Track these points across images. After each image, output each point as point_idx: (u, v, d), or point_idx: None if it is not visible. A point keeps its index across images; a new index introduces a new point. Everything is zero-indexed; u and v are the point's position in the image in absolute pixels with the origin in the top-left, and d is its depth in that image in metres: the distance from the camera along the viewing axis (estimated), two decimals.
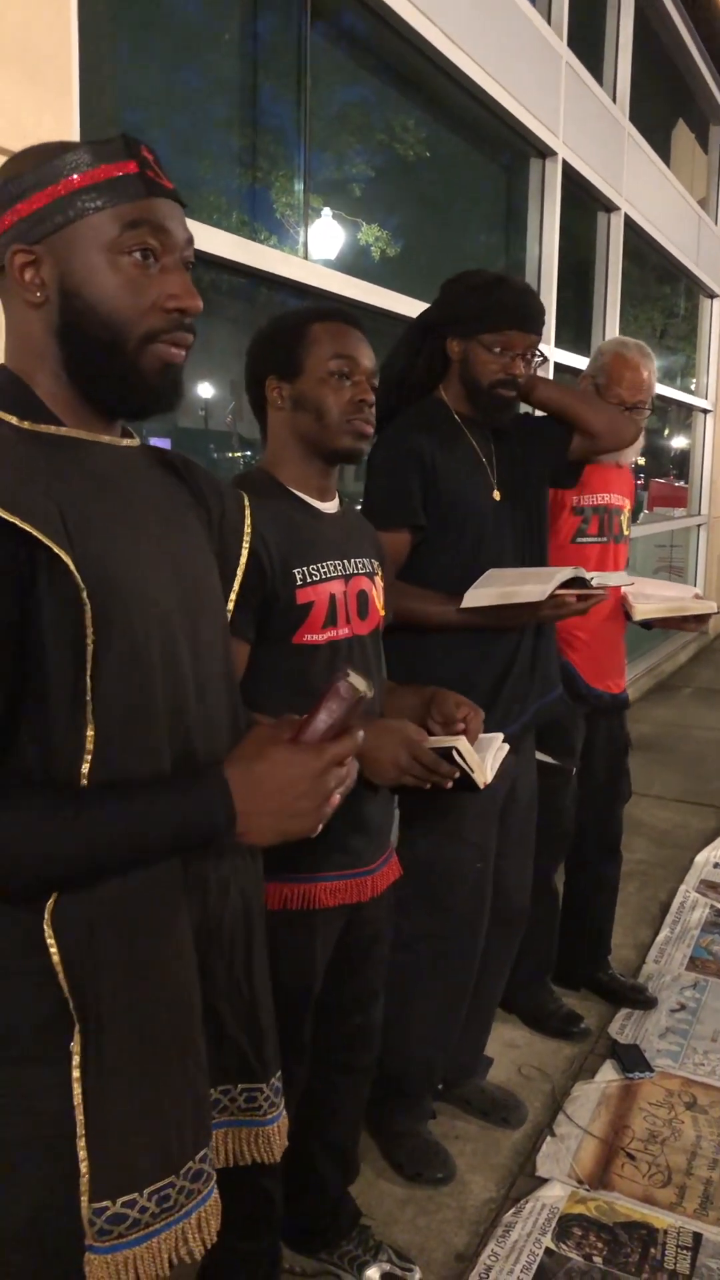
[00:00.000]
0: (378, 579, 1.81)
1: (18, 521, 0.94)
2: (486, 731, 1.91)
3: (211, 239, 2.78)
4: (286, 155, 3.41)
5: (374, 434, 1.72)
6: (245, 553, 1.34)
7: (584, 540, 2.81)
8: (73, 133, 2.18)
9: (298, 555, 1.64)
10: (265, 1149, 1.29)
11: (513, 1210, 2.25)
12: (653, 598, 2.98)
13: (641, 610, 2.91)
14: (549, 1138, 2.49)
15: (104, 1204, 1.05)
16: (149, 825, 1.04)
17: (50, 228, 1.03)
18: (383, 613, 1.81)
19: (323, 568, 1.67)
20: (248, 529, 1.35)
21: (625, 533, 2.93)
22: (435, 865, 2.21)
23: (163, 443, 3.37)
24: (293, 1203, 1.97)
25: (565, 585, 2.05)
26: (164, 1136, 1.10)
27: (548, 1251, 2.13)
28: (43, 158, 1.04)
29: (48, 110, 2.09)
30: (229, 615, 1.30)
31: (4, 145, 2.01)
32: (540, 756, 2.70)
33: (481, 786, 1.66)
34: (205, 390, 3.66)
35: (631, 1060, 2.78)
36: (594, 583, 2.12)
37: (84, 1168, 1.04)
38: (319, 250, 3.78)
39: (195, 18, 3.12)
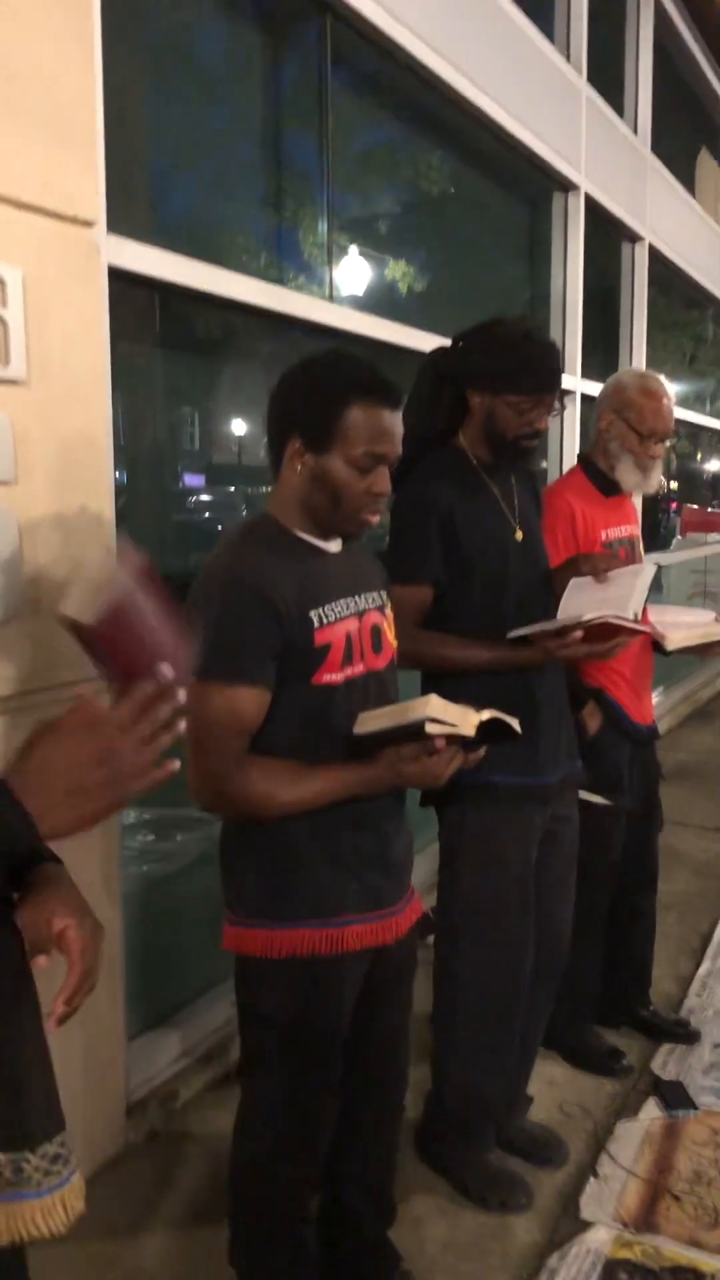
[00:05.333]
0: (387, 610, 1.83)
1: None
2: (530, 775, 1.97)
3: (235, 285, 2.82)
4: (311, 196, 3.46)
5: (390, 495, 1.73)
6: None
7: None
8: (98, 184, 2.22)
9: (312, 598, 1.66)
10: (45, 1220, 1.15)
11: (557, 1255, 2.21)
12: (679, 625, 2.98)
13: (674, 640, 2.90)
14: (592, 1179, 2.46)
15: None
16: None
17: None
18: (394, 644, 1.84)
19: (337, 607, 1.69)
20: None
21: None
22: (479, 896, 2.21)
23: (197, 479, 3.41)
24: (330, 1247, 1.97)
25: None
26: None
27: None
28: None
29: (74, 164, 2.14)
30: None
31: (37, 203, 2.06)
32: (590, 797, 2.71)
33: (472, 734, 1.62)
34: (239, 427, 3.71)
35: (675, 1097, 2.74)
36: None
37: None
38: (347, 288, 3.83)
39: (219, 64, 3.18)
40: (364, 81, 3.76)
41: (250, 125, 3.29)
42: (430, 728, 1.57)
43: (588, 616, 2.08)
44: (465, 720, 1.62)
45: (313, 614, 1.65)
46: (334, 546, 1.76)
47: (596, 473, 2.81)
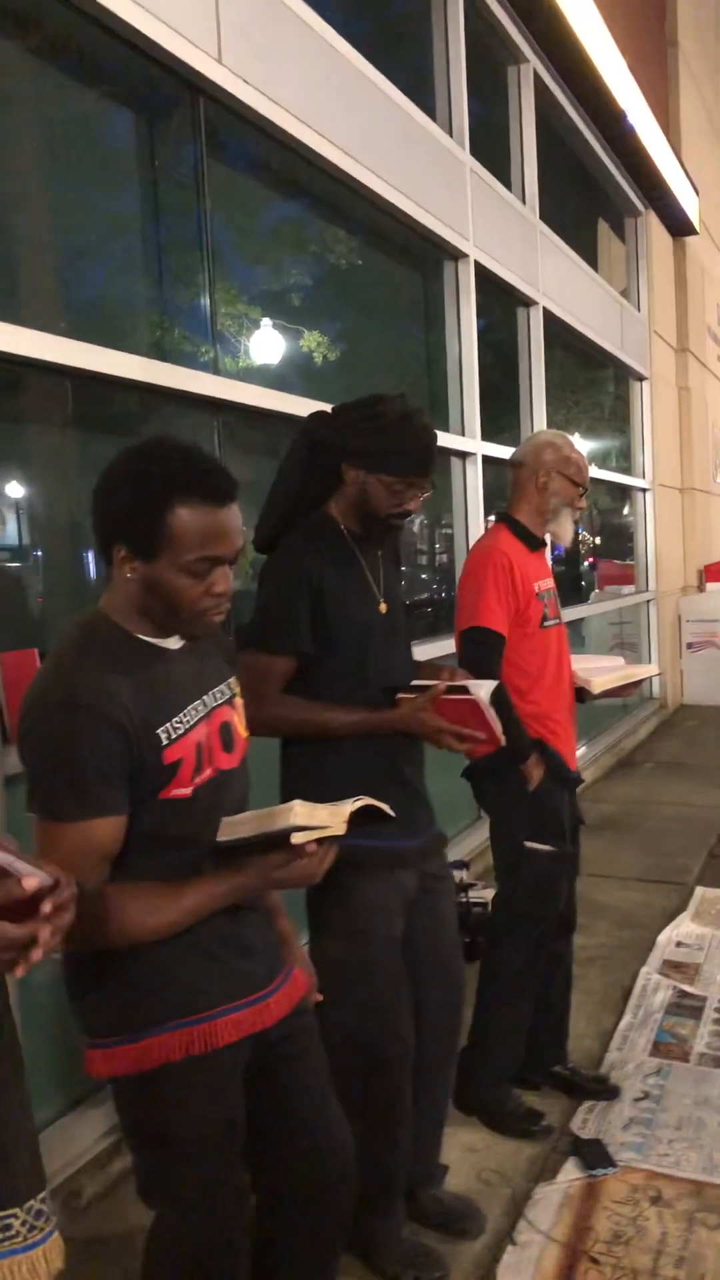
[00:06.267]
0: (237, 700, 1.74)
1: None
2: (392, 840, 2.00)
3: (111, 361, 2.83)
4: (193, 272, 3.50)
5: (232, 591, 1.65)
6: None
7: (548, 625, 2.89)
8: None
9: (160, 712, 1.55)
10: (31, 1276, 1.23)
11: None
12: (598, 671, 3.09)
13: (598, 685, 2.99)
14: (510, 1247, 2.41)
15: None
16: None
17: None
18: (245, 734, 1.75)
19: (186, 717, 1.59)
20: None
21: None
22: (346, 963, 2.18)
23: None
24: None
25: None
26: None
27: None
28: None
29: None
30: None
31: None
32: (537, 846, 2.79)
33: (343, 831, 1.56)
34: None
35: (594, 1156, 2.70)
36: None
37: None
38: (237, 359, 3.88)
39: (95, 146, 3.24)
40: (244, 160, 3.84)
41: (130, 204, 3.34)
42: (296, 837, 1.51)
43: (479, 693, 2.13)
44: (335, 818, 1.56)
45: (161, 731, 1.54)
46: (175, 643, 1.64)
47: (521, 529, 2.91)
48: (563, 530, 2.93)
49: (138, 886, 1.54)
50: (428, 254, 5.14)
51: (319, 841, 1.55)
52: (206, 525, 1.52)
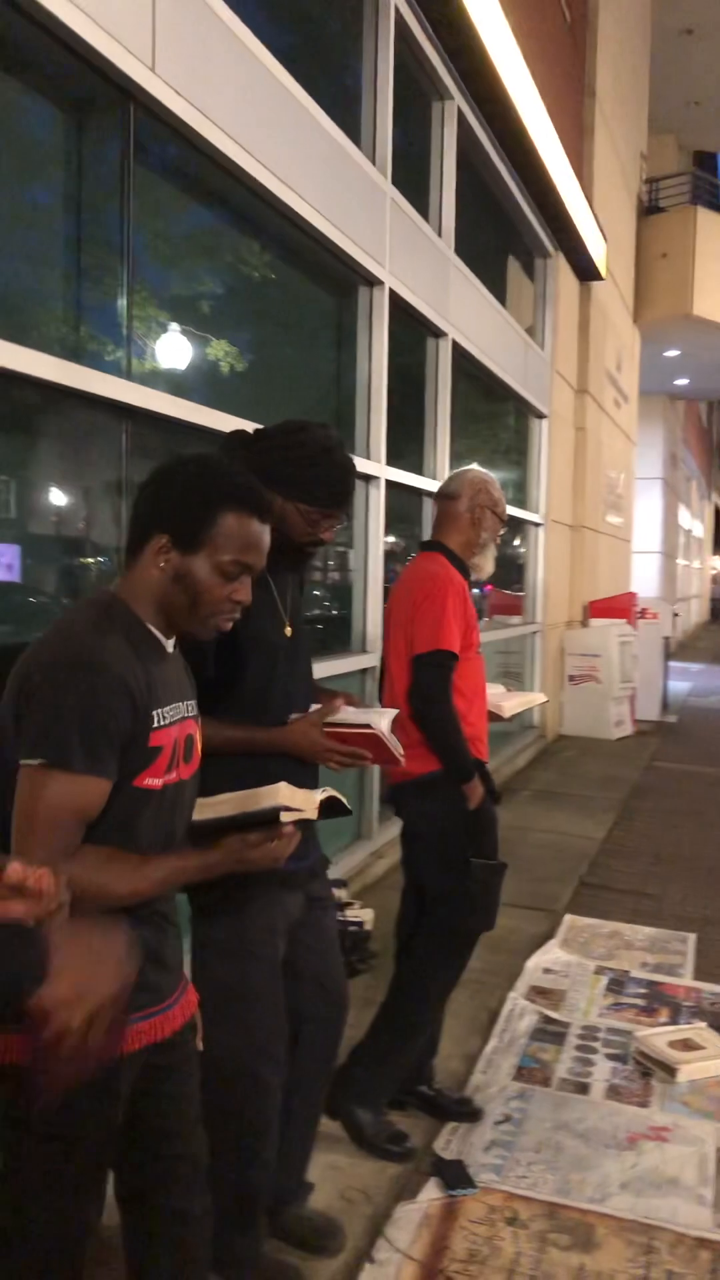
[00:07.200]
0: (199, 719, 1.82)
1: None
2: (290, 862, 2.00)
3: (17, 357, 2.80)
4: (112, 275, 3.48)
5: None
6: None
7: (482, 651, 3.04)
8: None
9: (155, 696, 1.63)
10: None
11: None
12: (504, 696, 3.29)
13: (508, 708, 3.22)
14: (368, 1264, 2.44)
15: None
16: None
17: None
18: (200, 754, 1.81)
19: (170, 710, 1.67)
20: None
21: None
22: (227, 984, 2.19)
23: (12, 549, 3.33)
24: None
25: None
26: None
27: None
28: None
29: None
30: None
31: None
32: (481, 861, 2.91)
33: (316, 816, 1.71)
34: (58, 498, 3.65)
35: (454, 1177, 2.76)
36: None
37: None
38: (150, 365, 3.87)
39: (19, 144, 3.20)
40: (170, 168, 3.84)
41: (52, 204, 3.31)
42: (282, 816, 1.63)
43: (380, 725, 2.20)
44: (310, 803, 1.69)
45: (155, 713, 1.63)
46: (171, 646, 1.74)
47: (455, 559, 3.01)
48: (485, 564, 3.08)
49: (111, 852, 1.59)
50: (344, 277, 5.20)
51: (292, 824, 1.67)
52: (249, 534, 1.70)
